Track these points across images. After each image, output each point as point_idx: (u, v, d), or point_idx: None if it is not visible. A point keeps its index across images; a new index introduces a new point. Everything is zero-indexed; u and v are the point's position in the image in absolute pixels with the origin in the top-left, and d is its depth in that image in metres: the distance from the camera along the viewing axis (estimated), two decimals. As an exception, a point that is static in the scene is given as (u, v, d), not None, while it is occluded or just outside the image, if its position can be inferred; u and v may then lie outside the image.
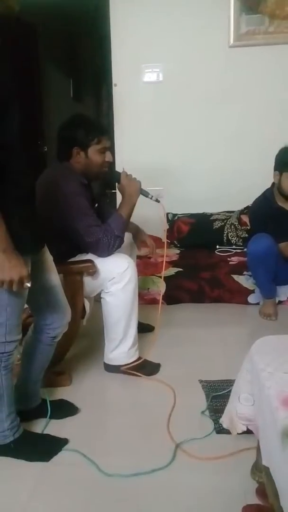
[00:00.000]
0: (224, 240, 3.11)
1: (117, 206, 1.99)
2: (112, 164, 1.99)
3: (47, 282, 1.49)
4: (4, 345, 1.36)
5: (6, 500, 1.33)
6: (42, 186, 1.79)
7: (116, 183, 1.97)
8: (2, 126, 1.19)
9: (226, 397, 1.51)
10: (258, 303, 2.74)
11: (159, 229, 3.34)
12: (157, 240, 3.31)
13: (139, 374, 1.95)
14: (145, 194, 1.95)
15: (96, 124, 1.96)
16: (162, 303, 2.77)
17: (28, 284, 1.27)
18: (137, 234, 2.26)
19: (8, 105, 1.20)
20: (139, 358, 2.01)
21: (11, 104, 1.21)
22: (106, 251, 1.85)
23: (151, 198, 1.95)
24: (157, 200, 1.96)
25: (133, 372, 1.95)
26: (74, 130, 1.88)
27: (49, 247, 1.52)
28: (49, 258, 1.51)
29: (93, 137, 1.87)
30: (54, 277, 1.53)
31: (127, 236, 2.32)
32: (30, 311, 1.62)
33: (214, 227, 3.14)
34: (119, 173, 1.95)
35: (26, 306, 1.53)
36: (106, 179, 2.05)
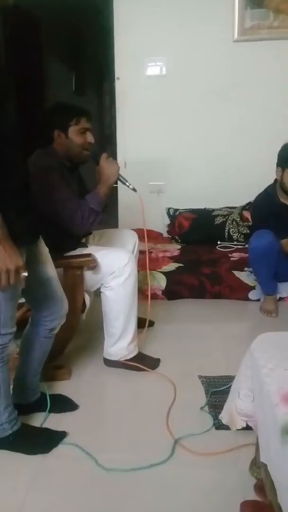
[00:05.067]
0: (226, 236, 3.10)
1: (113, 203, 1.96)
2: (94, 145, 1.96)
3: (43, 274, 1.49)
4: None
5: (4, 493, 1.33)
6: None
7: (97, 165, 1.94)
8: None
9: (225, 393, 1.51)
10: (258, 300, 2.73)
11: (159, 224, 3.35)
12: (157, 235, 3.32)
13: (142, 366, 1.95)
14: (123, 181, 1.93)
15: (74, 106, 1.97)
16: (162, 298, 2.80)
17: (25, 274, 1.27)
18: None
19: (4, 97, 1.19)
20: (139, 353, 2.00)
21: (7, 95, 1.20)
22: (80, 224, 1.82)
23: (128, 186, 1.93)
24: (134, 189, 1.93)
25: (135, 364, 1.95)
26: (52, 114, 1.93)
27: (46, 239, 1.51)
28: (44, 250, 1.51)
29: (71, 118, 1.89)
30: (50, 269, 1.52)
31: (130, 232, 2.32)
32: (27, 304, 1.61)
33: (215, 223, 3.13)
34: (99, 155, 1.93)
35: (23, 300, 1.53)
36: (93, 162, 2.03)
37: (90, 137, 1.92)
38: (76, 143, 1.90)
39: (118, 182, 1.92)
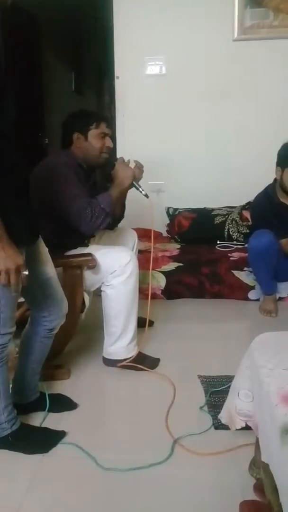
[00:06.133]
0: (225, 235, 3.10)
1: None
2: (112, 150, 2.01)
3: (43, 274, 1.49)
4: None
5: (3, 492, 1.33)
6: (37, 172, 1.83)
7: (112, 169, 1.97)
8: None
9: (225, 392, 1.51)
10: (258, 299, 2.73)
11: (159, 224, 3.35)
12: (157, 235, 3.32)
13: (142, 366, 1.95)
14: (137, 186, 1.95)
15: (95, 112, 2.03)
16: (161, 298, 2.80)
17: (26, 272, 1.27)
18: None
19: (3, 96, 1.19)
20: (139, 353, 2.00)
21: (6, 94, 1.20)
22: (89, 222, 1.82)
23: (141, 192, 1.94)
24: (146, 195, 1.95)
25: (135, 364, 1.95)
26: (73, 118, 1.97)
27: (48, 238, 1.51)
28: (44, 250, 1.51)
29: (92, 122, 1.93)
30: (50, 269, 1.52)
31: (130, 232, 2.32)
32: (26, 304, 1.61)
33: (215, 222, 3.13)
34: (116, 159, 1.99)
35: (23, 299, 1.52)
36: (106, 167, 2.05)
37: (109, 142, 1.97)
38: (95, 146, 1.94)
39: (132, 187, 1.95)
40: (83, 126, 1.93)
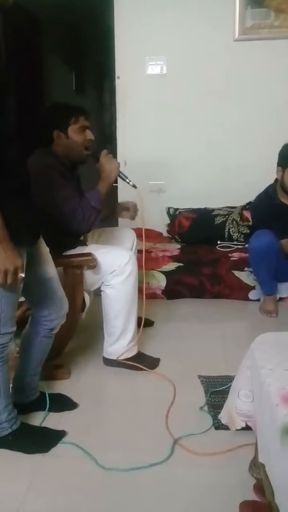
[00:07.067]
0: (226, 235, 3.09)
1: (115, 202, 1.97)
2: (94, 142, 1.97)
3: (44, 274, 1.49)
4: None
5: (3, 492, 1.33)
6: None
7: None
8: None
9: (225, 393, 1.51)
10: (258, 300, 2.73)
11: (159, 224, 3.35)
12: (157, 235, 3.32)
13: (142, 366, 1.95)
14: (124, 177, 1.93)
15: (72, 105, 1.98)
16: (161, 297, 2.80)
17: (22, 275, 1.27)
18: (122, 205, 2.24)
19: (4, 96, 1.19)
20: (139, 352, 2.00)
21: (7, 95, 1.20)
22: (82, 222, 1.82)
23: (128, 183, 1.93)
24: (134, 186, 1.94)
25: (135, 364, 1.95)
26: (51, 115, 1.95)
27: (46, 238, 1.51)
28: (45, 250, 1.51)
29: (70, 117, 1.90)
30: (51, 269, 1.52)
31: (129, 231, 2.31)
32: (27, 304, 1.61)
33: (215, 223, 3.12)
34: (99, 152, 1.93)
35: (23, 299, 1.52)
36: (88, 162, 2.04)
37: (89, 134, 1.94)
38: (77, 141, 1.91)
39: (119, 179, 1.92)
40: (62, 123, 1.90)
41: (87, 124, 1.94)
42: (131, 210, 2.20)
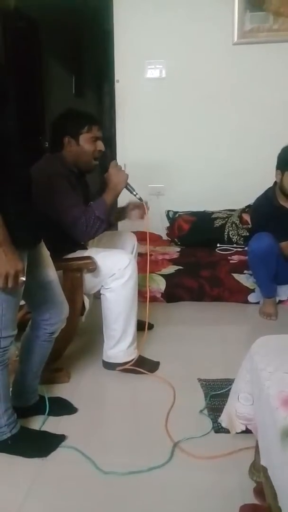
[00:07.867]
0: (225, 238, 3.10)
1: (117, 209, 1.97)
2: (103, 153, 1.98)
3: (44, 277, 1.49)
4: None
5: (2, 496, 1.33)
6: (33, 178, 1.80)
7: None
8: None
9: (225, 396, 1.51)
10: (258, 302, 2.73)
11: (159, 227, 3.35)
12: (157, 238, 3.32)
13: (142, 370, 1.94)
14: (131, 189, 1.94)
15: (86, 114, 1.97)
16: (161, 301, 2.80)
17: (23, 278, 1.27)
18: (128, 206, 2.19)
19: (4, 99, 1.19)
20: (139, 356, 2.00)
21: (8, 98, 1.20)
22: (84, 231, 1.81)
23: (135, 195, 1.94)
24: (140, 199, 1.95)
25: (135, 368, 1.94)
26: (64, 121, 1.93)
27: (46, 241, 1.51)
28: (46, 253, 1.51)
29: (83, 126, 1.89)
30: (51, 273, 1.52)
31: (129, 235, 2.31)
32: (27, 307, 1.61)
33: (215, 226, 3.13)
34: (109, 162, 1.95)
35: (23, 302, 1.52)
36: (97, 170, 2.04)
37: (100, 145, 1.93)
38: (87, 151, 1.91)
39: (125, 190, 1.92)
40: (74, 130, 1.89)
41: (99, 135, 1.94)
42: (140, 208, 2.15)
